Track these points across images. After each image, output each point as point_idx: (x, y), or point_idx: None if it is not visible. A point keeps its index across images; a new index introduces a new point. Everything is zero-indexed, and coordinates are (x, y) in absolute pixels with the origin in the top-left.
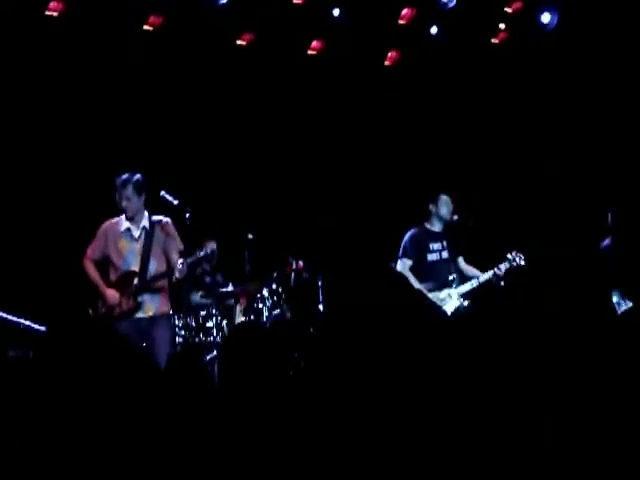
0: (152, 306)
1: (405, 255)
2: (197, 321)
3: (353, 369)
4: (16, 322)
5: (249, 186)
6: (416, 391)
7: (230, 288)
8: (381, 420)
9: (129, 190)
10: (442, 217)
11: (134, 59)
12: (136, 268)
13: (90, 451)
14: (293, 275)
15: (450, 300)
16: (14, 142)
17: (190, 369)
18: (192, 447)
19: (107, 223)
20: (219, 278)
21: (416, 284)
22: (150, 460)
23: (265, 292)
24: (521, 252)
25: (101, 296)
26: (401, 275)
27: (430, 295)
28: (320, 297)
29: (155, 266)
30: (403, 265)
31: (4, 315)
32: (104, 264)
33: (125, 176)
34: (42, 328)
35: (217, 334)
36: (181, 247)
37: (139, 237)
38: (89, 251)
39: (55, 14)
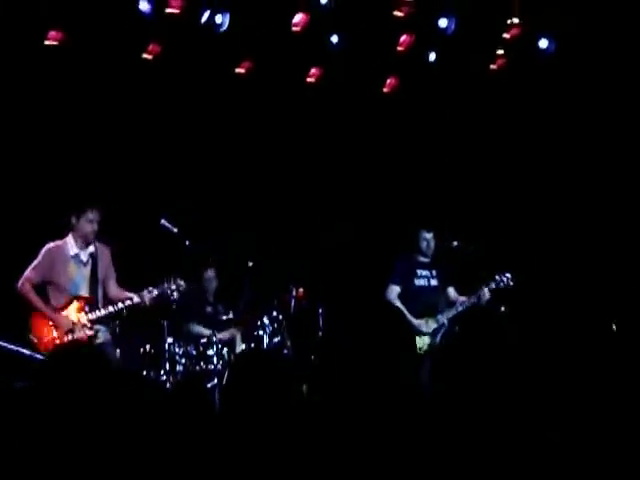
0: (102, 335)
1: (393, 281)
2: (197, 349)
3: (354, 396)
4: (18, 352)
5: (249, 214)
6: (413, 419)
7: (231, 316)
8: (384, 449)
9: (98, 216)
10: (423, 252)
11: (133, 87)
12: (85, 294)
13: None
14: (293, 302)
15: (425, 328)
16: (14, 172)
17: (193, 397)
18: (195, 474)
19: (52, 245)
20: (220, 307)
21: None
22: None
23: (265, 319)
24: (508, 273)
25: (50, 321)
26: (394, 307)
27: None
28: (320, 324)
29: (102, 293)
30: (391, 291)
31: (7, 345)
32: (42, 288)
33: (92, 198)
34: (39, 356)
35: (218, 362)
36: (115, 275)
37: (87, 262)
38: (30, 273)
39: (55, 43)
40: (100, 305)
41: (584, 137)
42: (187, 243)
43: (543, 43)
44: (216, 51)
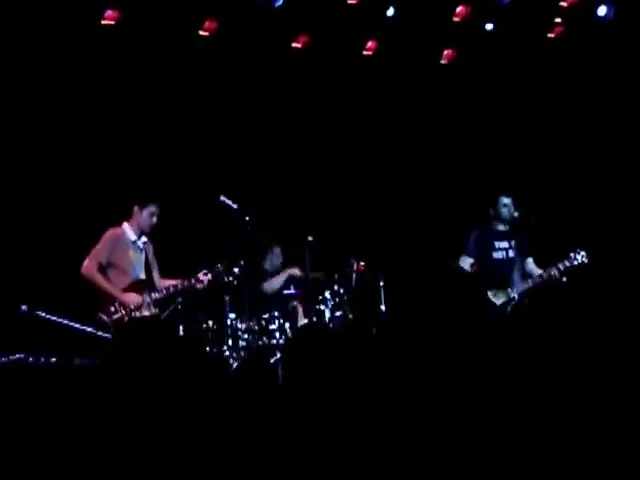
0: (164, 315)
1: (466, 253)
2: (260, 324)
3: (415, 371)
4: (81, 330)
5: (307, 188)
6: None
7: (292, 290)
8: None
9: (158, 208)
10: (503, 218)
11: (189, 66)
12: (143, 277)
13: (162, 452)
14: (355, 276)
15: (494, 299)
16: (47, 160)
17: (258, 372)
18: (261, 447)
19: (113, 231)
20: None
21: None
22: (221, 458)
23: (327, 294)
24: (583, 250)
25: (117, 300)
26: (462, 271)
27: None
28: (382, 298)
29: (155, 279)
30: (463, 262)
31: (70, 323)
32: (103, 271)
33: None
34: (107, 335)
35: (280, 336)
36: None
37: (142, 249)
38: (94, 257)
39: (112, 23)
40: (159, 288)
41: None
42: (247, 219)
43: (601, 10)
44: (273, 26)
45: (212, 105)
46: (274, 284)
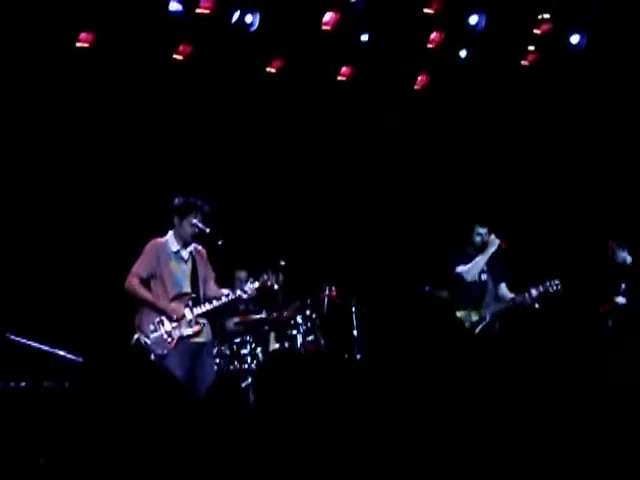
0: (205, 331)
1: (458, 264)
2: (231, 348)
3: (389, 394)
4: (51, 352)
5: (279, 212)
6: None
7: (264, 315)
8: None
9: (199, 215)
10: (476, 245)
11: (164, 88)
12: (187, 290)
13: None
14: (326, 301)
15: (467, 319)
16: (51, 173)
17: (229, 397)
18: (230, 474)
19: (155, 242)
20: (252, 307)
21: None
22: None
23: (299, 318)
24: (558, 279)
25: (158, 316)
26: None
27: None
28: (354, 323)
29: (202, 291)
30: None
31: (39, 346)
32: (147, 284)
33: (199, 202)
34: (77, 358)
35: (252, 361)
36: (214, 275)
37: (187, 260)
38: (137, 269)
39: (86, 45)
40: (201, 302)
41: (618, 134)
42: (219, 243)
43: (574, 38)
44: (247, 51)
45: (184, 128)
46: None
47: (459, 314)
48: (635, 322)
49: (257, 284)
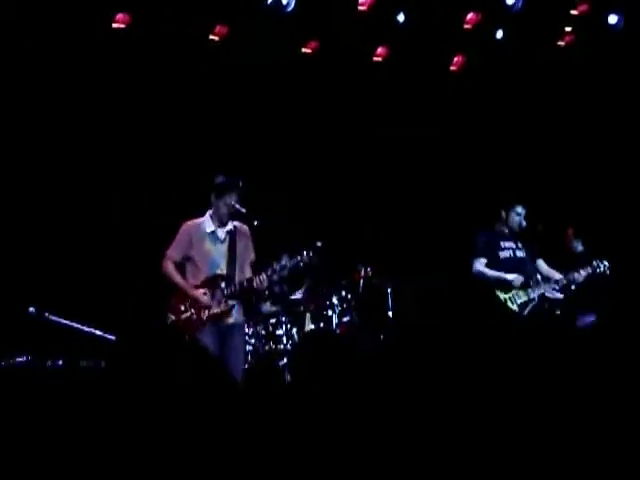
0: (234, 313)
1: (479, 254)
2: (267, 329)
3: (424, 376)
4: (88, 332)
5: (316, 193)
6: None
7: (299, 296)
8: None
9: (235, 195)
10: (510, 225)
11: (201, 69)
12: (222, 271)
13: (163, 459)
14: (362, 282)
15: (516, 300)
16: (90, 153)
17: (267, 378)
18: (268, 453)
19: (190, 224)
20: (286, 287)
21: (494, 273)
22: (224, 465)
23: (334, 299)
24: (606, 261)
25: (189, 298)
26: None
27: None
28: (389, 304)
29: (238, 271)
30: (479, 263)
31: (76, 325)
32: (182, 266)
33: (235, 179)
34: (112, 337)
35: (287, 342)
36: (253, 258)
37: (224, 240)
38: (171, 253)
39: (122, 26)
40: (237, 282)
41: None
42: (255, 223)
43: (612, 19)
44: (282, 32)
45: (220, 109)
46: (273, 310)
47: (506, 295)
48: None
49: (287, 262)
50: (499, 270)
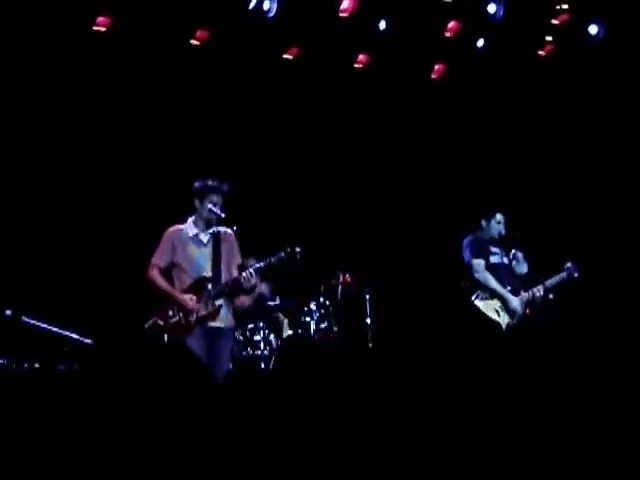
0: (223, 316)
1: (477, 256)
2: (244, 335)
3: (405, 382)
4: (64, 335)
5: (295, 199)
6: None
7: (277, 302)
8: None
9: (215, 199)
10: (491, 233)
11: (181, 74)
12: (208, 274)
13: (139, 460)
14: (340, 288)
15: (503, 312)
16: (71, 159)
17: (246, 383)
18: (248, 456)
19: (172, 229)
20: (266, 291)
21: (499, 287)
22: (202, 468)
23: (312, 305)
24: (576, 265)
25: (176, 303)
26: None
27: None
28: (368, 310)
29: (224, 273)
30: (479, 265)
31: (53, 328)
32: (168, 273)
33: (217, 183)
34: (89, 341)
35: (265, 347)
36: (239, 262)
37: (207, 243)
38: (155, 260)
39: (103, 29)
40: (223, 282)
41: (637, 126)
42: (234, 228)
43: (593, 29)
44: (264, 37)
45: (201, 114)
46: (245, 302)
47: (512, 298)
48: None
49: (256, 264)
50: (492, 274)
